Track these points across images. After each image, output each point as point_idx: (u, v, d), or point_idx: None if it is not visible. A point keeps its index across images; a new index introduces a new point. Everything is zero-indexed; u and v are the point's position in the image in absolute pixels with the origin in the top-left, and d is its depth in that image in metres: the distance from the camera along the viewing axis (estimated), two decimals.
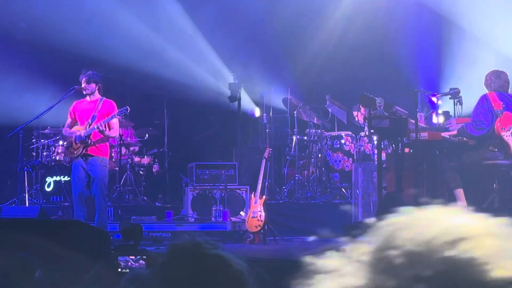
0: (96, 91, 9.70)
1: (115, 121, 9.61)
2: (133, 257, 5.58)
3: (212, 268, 1.81)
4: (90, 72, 9.76)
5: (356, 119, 10.13)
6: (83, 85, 9.67)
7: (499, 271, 0.68)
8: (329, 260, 0.77)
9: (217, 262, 1.83)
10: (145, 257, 5.69)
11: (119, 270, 5.34)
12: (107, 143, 9.81)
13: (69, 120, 9.81)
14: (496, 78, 8.68)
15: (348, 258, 0.76)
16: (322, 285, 0.74)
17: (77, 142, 9.54)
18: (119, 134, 10.73)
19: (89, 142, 9.47)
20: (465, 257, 0.70)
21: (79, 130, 9.58)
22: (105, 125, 9.43)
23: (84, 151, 9.50)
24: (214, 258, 1.83)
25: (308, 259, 0.80)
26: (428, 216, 0.77)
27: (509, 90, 8.71)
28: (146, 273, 2.04)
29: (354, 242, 0.78)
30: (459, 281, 0.68)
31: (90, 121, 9.55)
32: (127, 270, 5.31)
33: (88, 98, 9.73)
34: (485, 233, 0.72)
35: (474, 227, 0.73)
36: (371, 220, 0.79)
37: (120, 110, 9.54)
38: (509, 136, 8.40)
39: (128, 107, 9.57)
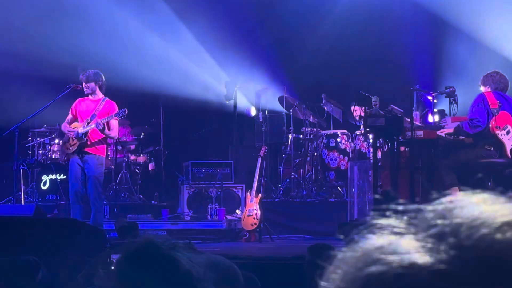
0: (98, 90, 9.68)
1: (114, 122, 9.60)
2: None
3: (160, 269, 1.82)
4: (90, 71, 9.74)
5: (354, 114, 10.11)
6: (83, 85, 9.67)
7: None
8: (388, 220, 0.83)
9: (164, 263, 1.84)
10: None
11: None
12: (104, 141, 9.81)
13: (69, 116, 9.82)
14: (494, 78, 8.70)
15: (407, 221, 0.81)
16: (379, 240, 0.80)
17: (73, 138, 9.55)
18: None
19: (86, 140, 9.47)
20: (505, 240, 0.73)
21: (77, 127, 9.58)
22: (104, 124, 9.41)
23: (80, 149, 9.51)
24: (163, 259, 1.83)
25: (373, 214, 0.85)
26: (470, 200, 0.80)
27: (507, 93, 8.73)
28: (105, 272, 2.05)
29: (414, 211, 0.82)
30: (493, 262, 0.72)
31: (89, 119, 9.55)
32: None
33: (90, 97, 9.71)
34: None
35: None
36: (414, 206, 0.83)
37: (118, 112, 9.53)
38: (504, 135, 8.43)
39: (126, 109, 9.55)
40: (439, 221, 0.79)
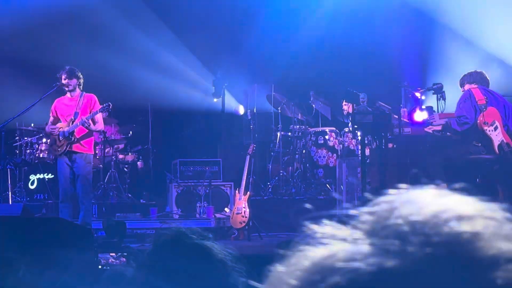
0: (77, 87, 9.61)
1: (99, 115, 9.54)
2: (113, 254, 5.58)
3: (194, 257, 1.83)
4: (70, 68, 9.65)
5: (343, 108, 10.09)
6: (64, 82, 9.55)
7: (500, 249, 0.72)
8: (328, 227, 0.80)
9: (199, 251, 1.85)
10: (126, 254, 5.67)
11: (99, 267, 5.32)
12: (92, 139, 9.74)
13: (51, 119, 9.72)
14: (476, 75, 8.70)
15: (348, 225, 0.79)
16: (324, 249, 0.77)
17: (60, 139, 9.48)
18: (103, 131, 10.69)
19: (73, 139, 9.41)
20: (468, 231, 0.73)
21: (62, 127, 9.51)
22: (89, 121, 9.36)
23: (68, 148, 9.44)
24: (196, 248, 1.85)
25: (308, 224, 0.82)
26: (426, 194, 0.80)
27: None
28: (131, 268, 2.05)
29: (354, 211, 0.80)
30: (462, 254, 0.72)
31: (73, 118, 9.49)
32: (108, 268, 5.30)
33: (69, 94, 9.61)
34: (483, 213, 0.76)
35: (472, 207, 0.77)
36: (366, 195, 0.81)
37: (102, 106, 9.48)
38: (492, 131, 8.43)
39: (110, 103, 9.51)
40: (391, 222, 0.76)
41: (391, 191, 0.82)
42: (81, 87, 9.66)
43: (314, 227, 0.81)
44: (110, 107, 9.53)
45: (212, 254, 1.88)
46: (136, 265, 1.93)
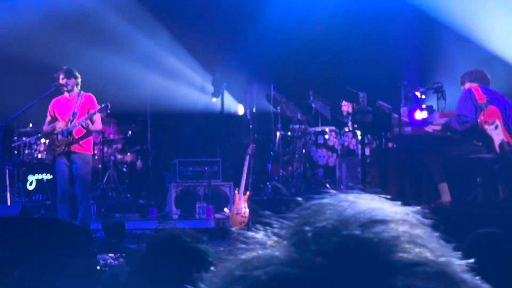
0: (75, 86, 9.57)
1: (97, 116, 9.51)
2: (112, 254, 5.54)
3: (187, 262, 1.81)
4: (68, 68, 9.62)
5: (342, 108, 10.06)
6: (63, 82, 9.51)
7: (402, 254, 0.73)
8: (255, 233, 0.82)
9: (192, 256, 1.83)
10: (124, 254, 5.64)
11: (98, 268, 5.29)
12: (90, 139, 9.70)
13: (48, 118, 9.67)
14: (476, 73, 8.67)
15: (272, 232, 0.81)
16: (247, 254, 0.79)
17: (59, 138, 9.44)
18: (102, 131, 10.65)
19: (71, 139, 9.37)
20: (372, 237, 0.74)
21: (60, 127, 9.47)
22: (87, 122, 9.33)
23: (66, 149, 9.41)
24: (190, 252, 1.83)
25: (236, 229, 0.83)
26: (349, 198, 0.82)
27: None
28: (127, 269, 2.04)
29: (280, 217, 0.83)
30: (361, 259, 0.73)
31: (71, 118, 9.45)
32: (106, 268, 5.26)
33: (67, 94, 9.57)
34: (397, 218, 0.78)
35: (388, 212, 0.79)
36: (299, 199, 0.84)
37: (100, 107, 9.44)
38: (493, 130, 8.39)
39: (109, 103, 9.48)
40: (302, 228, 0.78)
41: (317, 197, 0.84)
42: (79, 86, 9.63)
43: (246, 232, 0.82)
44: (109, 107, 9.50)
45: (205, 258, 1.86)
46: (130, 269, 1.91)
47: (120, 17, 13.41)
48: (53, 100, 9.69)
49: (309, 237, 0.76)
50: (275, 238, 0.79)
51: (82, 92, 9.59)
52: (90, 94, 9.62)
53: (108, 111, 9.68)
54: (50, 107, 9.67)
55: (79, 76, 9.60)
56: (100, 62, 12.67)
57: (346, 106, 9.55)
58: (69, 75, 9.50)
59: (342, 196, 0.83)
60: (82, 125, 9.31)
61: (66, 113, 9.50)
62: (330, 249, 0.74)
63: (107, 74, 12.84)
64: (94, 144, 11.28)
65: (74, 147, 9.42)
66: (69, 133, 9.37)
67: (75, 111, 9.44)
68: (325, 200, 0.81)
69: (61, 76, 9.51)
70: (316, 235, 0.76)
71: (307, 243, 0.75)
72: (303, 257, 0.74)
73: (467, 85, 8.65)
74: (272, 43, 13.40)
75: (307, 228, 0.77)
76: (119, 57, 13.23)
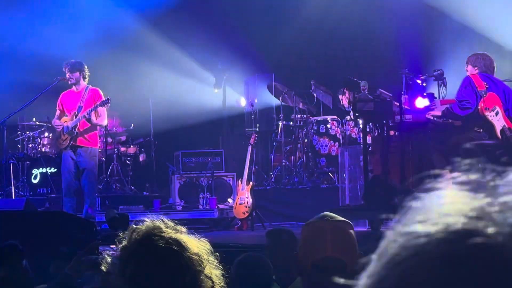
0: (81, 80, 9.60)
1: (102, 109, 9.54)
2: (114, 246, 5.56)
3: (164, 252, 1.83)
4: (73, 61, 9.66)
5: (341, 102, 10.12)
6: (67, 75, 9.57)
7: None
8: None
9: (170, 246, 1.84)
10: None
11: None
12: (96, 133, 9.75)
13: (58, 112, 9.75)
14: (486, 62, 8.66)
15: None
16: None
17: (64, 133, 9.50)
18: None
19: (76, 133, 9.42)
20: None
21: (67, 121, 9.53)
22: (90, 115, 9.37)
23: (72, 142, 9.46)
24: (169, 242, 1.84)
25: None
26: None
27: (494, 74, 8.70)
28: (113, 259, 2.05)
29: None
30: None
31: (76, 111, 9.50)
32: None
33: (74, 88, 9.63)
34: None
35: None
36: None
37: (102, 101, 9.48)
38: (494, 116, 8.41)
39: (109, 97, 9.52)
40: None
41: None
42: (86, 80, 9.65)
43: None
44: (109, 101, 9.53)
45: (181, 254, 1.86)
46: (106, 271, 1.92)
47: (122, 8, 13.41)
48: (62, 94, 9.76)
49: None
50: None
51: (89, 86, 9.63)
52: (97, 88, 9.66)
53: (108, 105, 9.72)
54: (58, 101, 9.73)
55: (85, 69, 9.62)
56: (102, 54, 12.68)
57: (345, 97, 9.55)
58: (73, 68, 9.54)
59: None
60: (85, 118, 9.35)
61: (72, 107, 9.56)
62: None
63: (109, 67, 12.86)
64: (99, 136, 11.33)
65: (80, 141, 9.47)
66: (74, 127, 9.42)
67: (80, 105, 9.49)
68: None
69: (66, 69, 9.57)
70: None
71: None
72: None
73: (469, 68, 8.66)
74: (272, 33, 13.41)
75: None
76: (121, 49, 13.25)
